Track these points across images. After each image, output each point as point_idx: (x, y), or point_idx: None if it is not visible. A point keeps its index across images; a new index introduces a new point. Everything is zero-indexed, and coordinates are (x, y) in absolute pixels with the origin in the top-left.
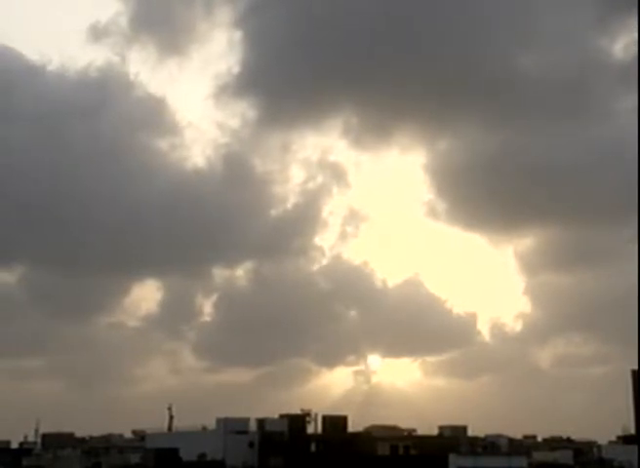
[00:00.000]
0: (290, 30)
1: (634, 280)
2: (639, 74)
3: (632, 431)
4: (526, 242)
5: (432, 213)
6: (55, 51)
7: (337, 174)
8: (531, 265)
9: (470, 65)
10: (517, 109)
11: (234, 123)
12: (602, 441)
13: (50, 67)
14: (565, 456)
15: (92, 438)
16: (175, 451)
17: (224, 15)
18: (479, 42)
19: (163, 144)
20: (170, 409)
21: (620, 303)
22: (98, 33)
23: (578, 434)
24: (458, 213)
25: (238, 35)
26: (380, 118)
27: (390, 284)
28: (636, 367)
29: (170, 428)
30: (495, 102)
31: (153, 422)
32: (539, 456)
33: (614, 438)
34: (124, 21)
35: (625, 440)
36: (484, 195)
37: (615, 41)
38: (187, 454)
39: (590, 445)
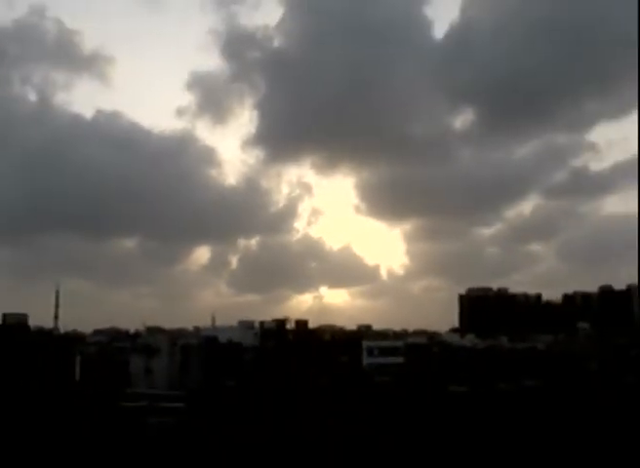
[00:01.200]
0: (284, 110)
1: (467, 248)
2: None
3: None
4: (409, 226)
5: (358, 210)
6: (155, 121)
7: (307, 189)
8: (410, 239)
9: (382, 131)
10: (405, 156)
11: (251, 160)
12: (442, 331)
13: (155, 131)
14: (422, 339)
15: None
16: (215, 338)
17: (249, 101)
18: (384, 119)
19: (214, 172)
20: (213, 315)
21: (457, 260)
22: (180, 112)
23: (430, 327)
24: (371, 210)
25: (255, 113)
26: (332, 158)
27: (334, 248)
28: (462, 293)
29: (212, 325)
30: (394, 151)
31: (205, 322)
32: (410, 340)
33: (448, 329)
34: (194, 105)
35: (454, 330)
36: (387, 202)
37: (457, 117)
38: (222, 340)
39: (437, 333)
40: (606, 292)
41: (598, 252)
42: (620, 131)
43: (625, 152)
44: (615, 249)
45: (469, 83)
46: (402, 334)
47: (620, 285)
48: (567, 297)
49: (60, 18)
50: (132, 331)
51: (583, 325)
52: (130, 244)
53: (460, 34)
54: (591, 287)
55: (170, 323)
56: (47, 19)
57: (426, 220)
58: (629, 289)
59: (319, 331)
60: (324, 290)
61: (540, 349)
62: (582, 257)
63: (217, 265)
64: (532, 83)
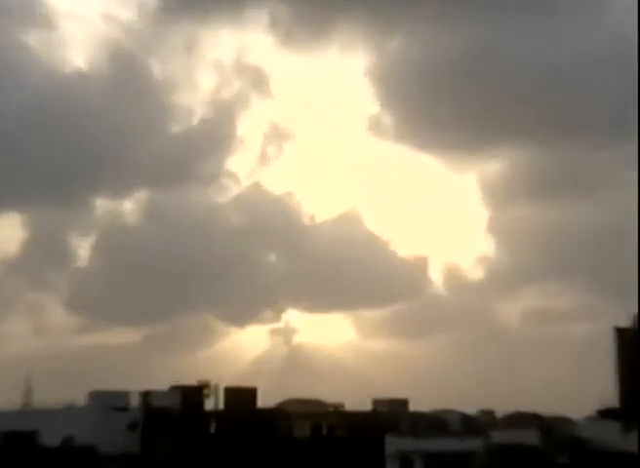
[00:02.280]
0: None
1: (633, 214)
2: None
3: (615, 404)
4: (493, 166)
5: (376, 128)
6: None
7: (257, 79)
8: (498, 195)
9: None
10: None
11: (127, 14)
12: (577, 416)
13: None
14: (530, 436)
15: None
16: (32, 434)
17: None
18: None
19: (33, 40)
20: (28, 380)
21: (612, 244)
22: None
23: (547, 408)
24: (408, 129)
25: None
26: (316, 10)
27: (320, 220)
28: (622, 323)
29: (27, 404)
30: None
31: (6, 396)
32: (498, 437)
33: (591, 413)
34: None
35: (605, 414)
36: (442, 108)
37: None
38: (50, 438)
39: (562, 421)
40: None
41: None
42: None
43: None
44: None
45: None
46: (480, 422)
47: None
48: None
49: None
50: None
51: None
52: None
53: None
54: None
55: None
56: None
57: (538, 152)
58: None
59: (282, 416)
60: (295, 315)
61: None
62: None
63: (40, 259)
64: None
